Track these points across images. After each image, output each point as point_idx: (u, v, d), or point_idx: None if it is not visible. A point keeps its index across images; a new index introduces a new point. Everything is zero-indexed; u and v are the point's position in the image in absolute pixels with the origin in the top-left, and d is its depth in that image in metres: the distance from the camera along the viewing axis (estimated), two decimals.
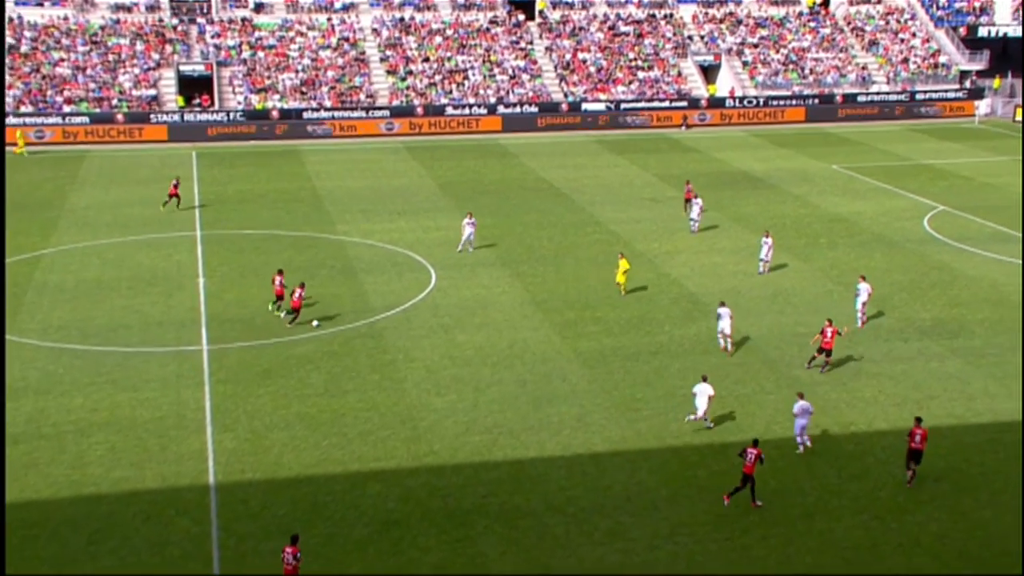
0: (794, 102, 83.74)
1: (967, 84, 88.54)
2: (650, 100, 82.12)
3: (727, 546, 23.78)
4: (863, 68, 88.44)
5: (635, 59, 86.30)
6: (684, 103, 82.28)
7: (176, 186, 53.77)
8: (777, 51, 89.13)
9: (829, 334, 32.41)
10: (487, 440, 28.53)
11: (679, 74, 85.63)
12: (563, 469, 27.04)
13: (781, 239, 48.09)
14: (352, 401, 30.91)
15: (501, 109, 79.52)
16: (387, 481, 26.40)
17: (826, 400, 30.88)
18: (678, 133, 79.20)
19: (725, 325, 34.15)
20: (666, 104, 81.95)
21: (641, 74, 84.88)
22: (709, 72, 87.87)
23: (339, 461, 27.41)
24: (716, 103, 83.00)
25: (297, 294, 36.57)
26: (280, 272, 38.30)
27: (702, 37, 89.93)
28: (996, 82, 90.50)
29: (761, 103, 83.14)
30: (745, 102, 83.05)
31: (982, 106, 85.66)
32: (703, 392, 28.89)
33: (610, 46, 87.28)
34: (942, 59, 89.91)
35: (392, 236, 48.95)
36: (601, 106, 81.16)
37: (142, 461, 27.18)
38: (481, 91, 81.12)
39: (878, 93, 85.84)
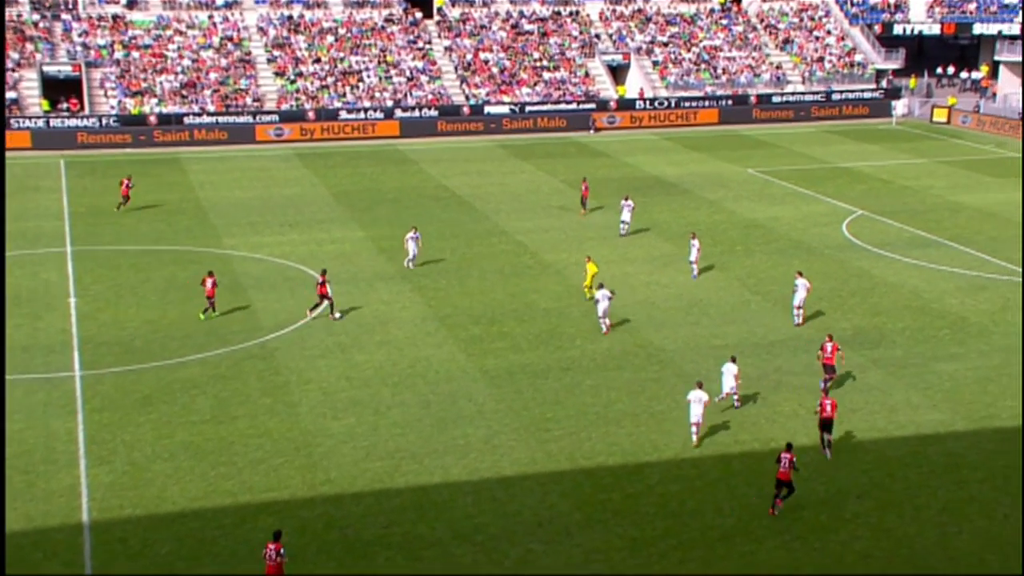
0: (707, 103, 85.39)
1: (883, 84, 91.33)
2: (556, 102, 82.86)
3: (643, 573, 24.01)
4: (777, 67, 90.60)
5: (540, 59, 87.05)
6: (592, 105, 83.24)
7: (128, 187, 54.88)
8: (688, 50, 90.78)
9: (829, 349, 32.57)
10: (388, 466, 28.38)
11: (586, 75, 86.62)
12: (470, 495, 27.03)
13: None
14: (242, 427, 30.47)
15: (399, 113, 79.40)
16: (280, 513, 26.06)
17: (745, 415, 31.44)
18: (586, 137, 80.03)
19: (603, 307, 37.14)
20: (573, 106, 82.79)
21: (547, 75, 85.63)
22: (618, 72, 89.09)
23: (228, 493, 26.97)
24: (626, 105, 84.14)
25: (320, 281, 38.97)
26: (211, 274, 39.00)
27: (610, 35, 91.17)
28: (912, 81, 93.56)
29: (672, 105, 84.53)
30: (656, 104, 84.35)
31: (899, 106, 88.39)
32: (729, 372, 31.34)
33: (513, 45, 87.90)
34: (858, 58, 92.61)
35: (283, 250, 48.45)
36: (505, 109, 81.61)
37: (6, 501, 26.35)
38: (377, 94, 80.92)
39: (793, 93, 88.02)
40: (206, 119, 75.39)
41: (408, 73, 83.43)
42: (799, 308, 38.71)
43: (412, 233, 45.99)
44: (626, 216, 50.83)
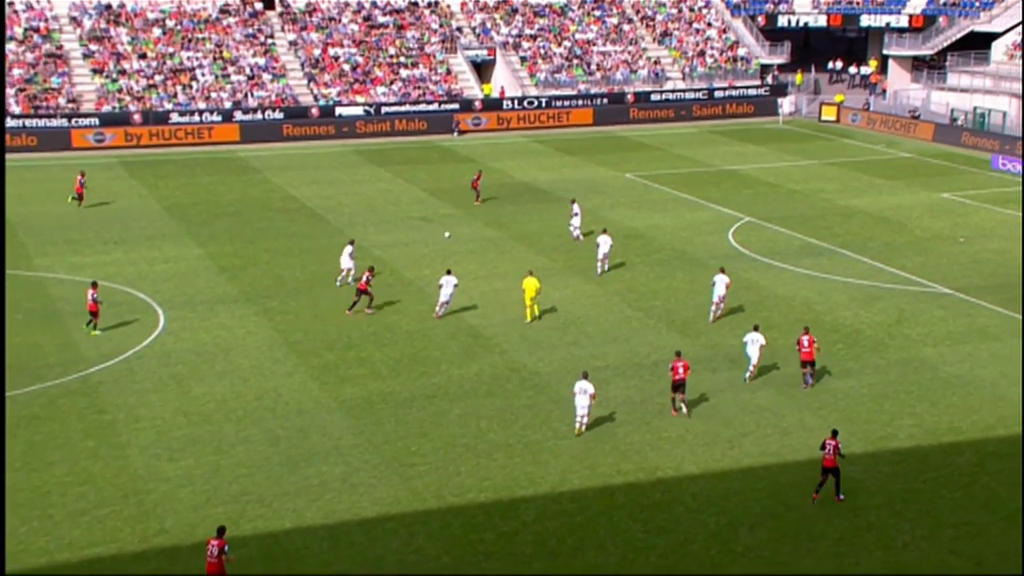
0: (580, 103, 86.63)
1: (768, 80, 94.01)
2: (416, 103, 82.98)
3: None
4: (656, 63, 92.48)
5: (397, 55, 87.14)
6: (455, 105, 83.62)
7: (82, 184, 55.58)
8: (559, 44, 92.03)
9: (806, 343, 35.24)
10: (233, 511, 27.93)
11: (448, 72, 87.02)
12: (326, 540, 26.79)
13: (571, 260, 49.54)
14: (60, 475, 29.62)
15: (238, 116, 78.50)
16: (107, 570, 25.39)
17: (628, 443, 31.90)
18: (450, 140, 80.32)
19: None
20: (435, 107, 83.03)
21: (404, 72, 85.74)
22: (483, 69, 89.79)
23: (43, 551, 26.17)
24: (492, 105, 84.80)
25: (365, 278, 41.63)
26: (94, 285, 39.14)
27: (473, 29, 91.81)
28: (798, 77, 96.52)
29: (543, 104, 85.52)
30: (525, 103, 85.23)
31: (785, 104, 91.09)
32: (754, 341, 35.36)
33: (366, 40, 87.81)
34: (741, 52, 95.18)
35: (108, 271, 47.36)
36: (359, 110, 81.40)
37: None
38: (213, 94, 79.81)
39: (673, 91, 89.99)
40: (11, 122, 73.19)
41: (248, 71, 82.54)
42: (717, 304, 41.58)
43: (349, 248, 45.92)
44: (576, 222, 53.03)
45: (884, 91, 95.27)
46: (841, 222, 57.06)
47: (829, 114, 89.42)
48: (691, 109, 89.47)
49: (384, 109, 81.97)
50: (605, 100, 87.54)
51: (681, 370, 33.19)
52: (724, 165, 72.04)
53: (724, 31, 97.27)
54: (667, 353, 36.83)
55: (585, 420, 32.19)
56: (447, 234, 51.97)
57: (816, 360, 35.73)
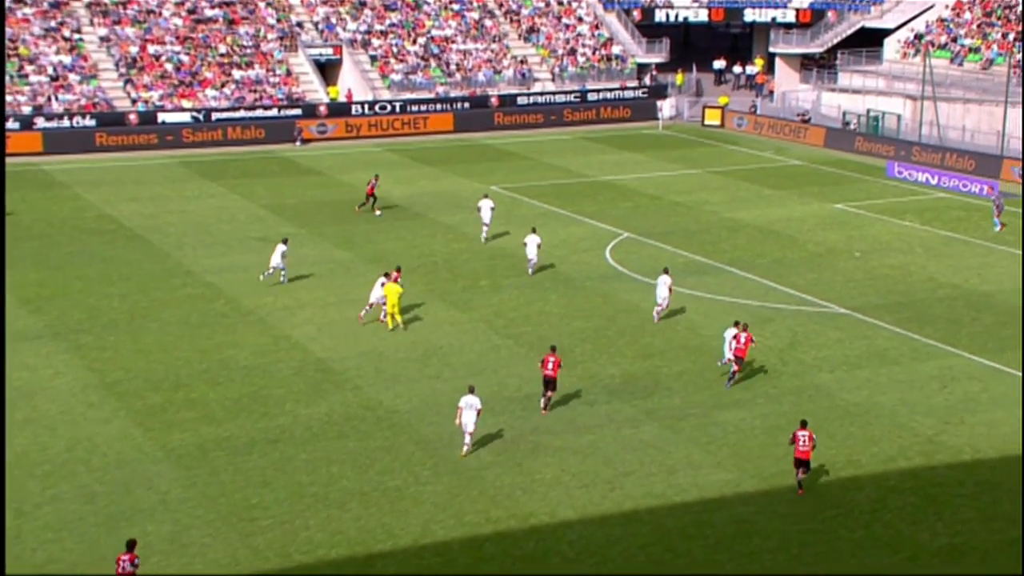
0: (439, 107, 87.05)
1: (647, 81, 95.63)
2: (251, 108, 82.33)
3: None
4: (522, 63, 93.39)
5: (228, 54, 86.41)
6: (297, 111, 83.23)
7: None
8: (413, 42, 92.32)
9: (743, 340, 38.61)
10: None
11: (288, 73, 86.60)
12: None
13: (431, 282, 49.63)
14: None
15: (41, 123, 77.06)
16: None
17: (498, 488, 32.01)
18: (292, 150, 79.83)
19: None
20: (273, 113, 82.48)
21: (238, 73, 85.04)
22: (328, 70, 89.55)
23: None
24: (339, 110, 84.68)
25: (394, 277, 44.44)
26: None
27: (316, 24, 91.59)
28: (679, 77, 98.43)
29: (397, 109, 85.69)
30: (377, 108, 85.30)
31: (665, 107, 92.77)
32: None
33: (192, 36, 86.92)
34: (615, 50, 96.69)
35: None
36: (185, 117, 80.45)
37: None
38: (10, 98, 78.02)
39: (542, 94, 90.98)
40: None
41: (52, 70, 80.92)
42: (661, 305, 44.98)
43: (282, 248, 48.89)
44: (487, 218, 56.47)
45: (771, 92, 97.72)
46: (728, 237, 58.27)
47: (713, 118, 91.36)
48: (562, 114, 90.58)
49: (215, 115, 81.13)
50: (466, 104, 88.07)
51: (551, 365, 36.17)
52: (600, 175, 72.99)
53: (597, 27, 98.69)
54: (539, 385, 37.17)
55: (469, 440, 33.61)
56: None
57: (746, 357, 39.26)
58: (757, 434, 35.56)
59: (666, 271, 45.78)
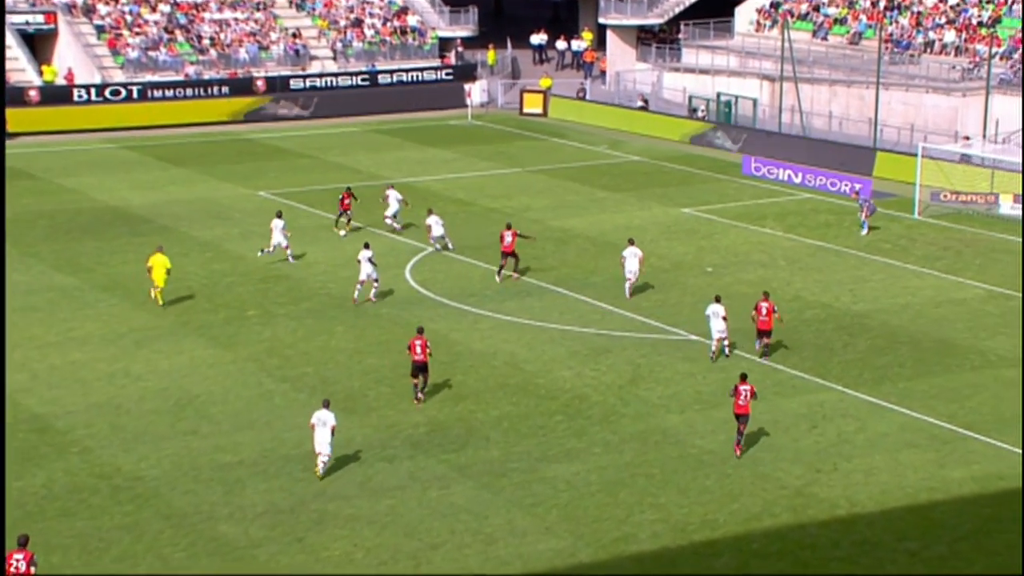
0: (190, 92, 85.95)
1: (452, 59, 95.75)
2: None
3: None
4: (295, 36, 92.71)
5: None
6: None
7: None
8: (154, 8, 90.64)
9: (764, 311, 43.33)
10: None
11: None
12: None
13: (185, 314, 48.74)
14: None
15: None
16: None
17: (273, 571, 31.40)
18: None
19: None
20: None
21: None
22: (39, 45, 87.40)
23: None
24: (56, 96, 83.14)
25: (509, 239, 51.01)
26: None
27: None
28: (491, 55, 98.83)
29: (135, 95, 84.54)
30: (108, 93, 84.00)
31: (475, 92, 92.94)
32: (716, 314, 43.54)
33: None
34: (412, 21, 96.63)
35: None
36: None
37: None
38: None
39: (322, 75, 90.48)
40: None
41: None
42: (630, 280, 50.83)
43: (280, 223, 55.16)
44: (390, 212, 60.60)
45: (603, 73, 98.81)
46: (555, 250, 58.62)
47: (534, 105, 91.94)
48: (347, 100, 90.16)
49: None
50: (225, 88, 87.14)
51: (419, 349, 40.43)
52: (397, 176, 72.78)
53: None
54: (312, 443, 36.76)
55: (326, 460, 35.57)
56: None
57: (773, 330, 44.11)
58: (594, 491, 35.60)
59: (631, 242, 51.64)
